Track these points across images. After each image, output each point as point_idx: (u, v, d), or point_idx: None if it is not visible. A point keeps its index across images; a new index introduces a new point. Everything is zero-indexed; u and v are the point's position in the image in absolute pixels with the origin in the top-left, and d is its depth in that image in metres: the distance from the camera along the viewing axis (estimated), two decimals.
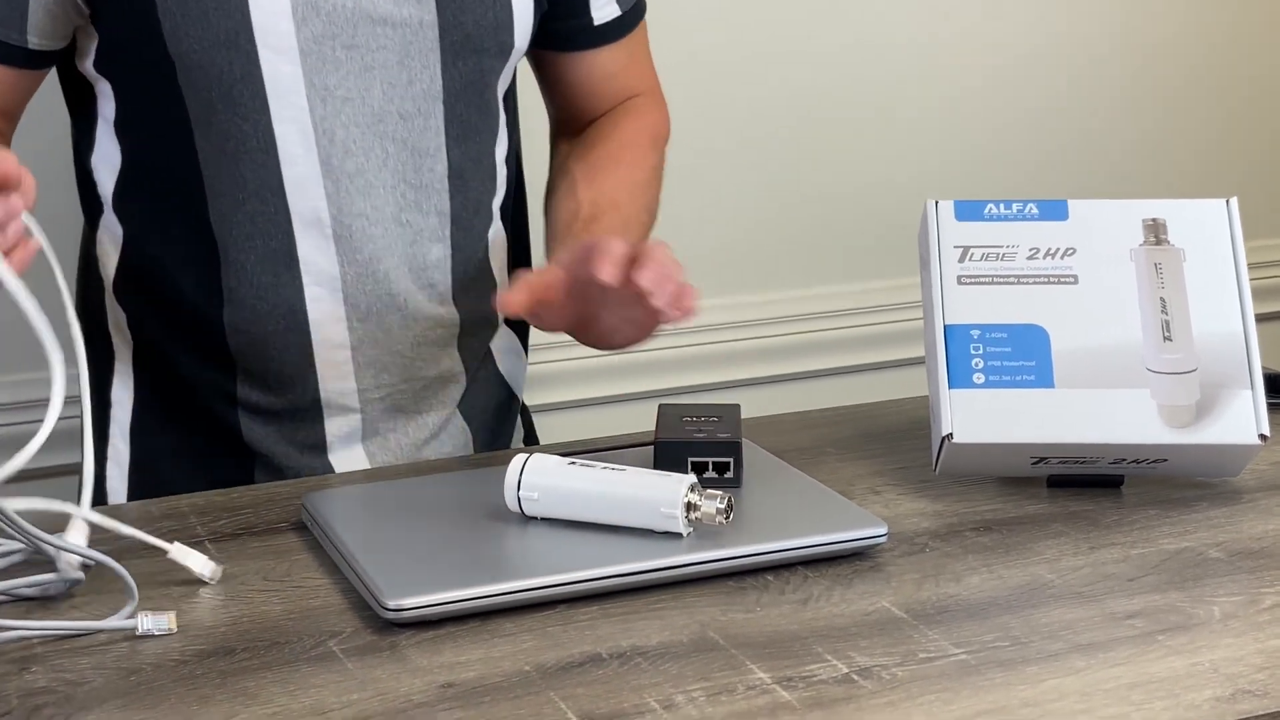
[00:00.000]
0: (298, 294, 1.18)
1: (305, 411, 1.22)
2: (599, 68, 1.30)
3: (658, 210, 1.30)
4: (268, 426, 1.23)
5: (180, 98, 1.14)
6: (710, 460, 1.05)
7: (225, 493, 1.11)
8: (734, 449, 1.05)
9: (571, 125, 1.34)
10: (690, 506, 0.96)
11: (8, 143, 1.19)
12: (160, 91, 1.14)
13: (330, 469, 1.23)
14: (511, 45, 1.22)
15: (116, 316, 1.25)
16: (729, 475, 1.05)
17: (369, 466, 1.24)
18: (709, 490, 0.97)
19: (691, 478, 0.97)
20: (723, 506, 0.96)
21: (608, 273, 1.00)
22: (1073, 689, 0.82)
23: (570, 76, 1.30)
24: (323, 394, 1.22)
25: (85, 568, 0.94)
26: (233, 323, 1.20)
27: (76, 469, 1.32)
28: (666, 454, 1.05)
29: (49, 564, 0.93)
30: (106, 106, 1.18)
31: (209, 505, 1.09)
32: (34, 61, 1.17)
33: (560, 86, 1.32)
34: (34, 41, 1.15)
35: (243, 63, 1.12)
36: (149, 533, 0.97)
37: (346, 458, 1.24)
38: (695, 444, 1.05)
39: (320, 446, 1.23)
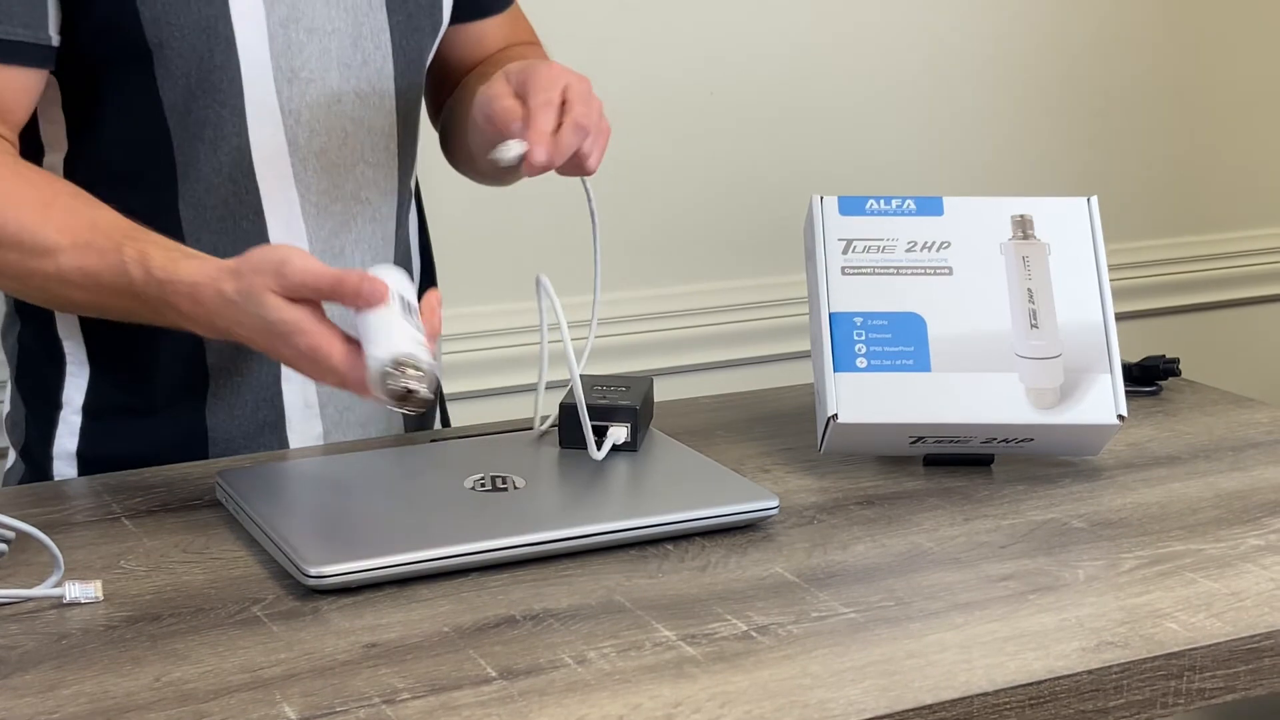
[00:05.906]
0: None
1: (268, 386, 1.24)
2: (486, 39, 1.37)
3: None
4: (232, 403, 1.23)
5: (154, 89, 1.14)
6: (609, 425, 1.11)
7: (138, 473, 1.14)
8: (631, 414, 1.11)
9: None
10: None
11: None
12: (135, 85, 1.14)
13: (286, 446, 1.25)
14: (441, 21, 1.28)
15: (67, 326, 1.23)
16: (627, 441, 1.11)
17: (322, 443, 1.26)
18: None
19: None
20: None
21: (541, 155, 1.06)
22: (953, 642, 0.89)
23: (458, 52, 1.36)
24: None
25: (6, 540, 0.97)
26: None
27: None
28: (568, 417, 1.11)
29: None
30: (52, 109, 1.17)
31: (122, 485, 1.11)
32: (50, 60, 1.14)
33: (450, 61, 1.36)
34: (54, 38, 1.12)
35: (222, 49, 1.14)
36: (52, 514, 1.00)
37: (301, 434, 1.26)
38: (595, 408, 1.11)
39: (279, 424, 1.24)
